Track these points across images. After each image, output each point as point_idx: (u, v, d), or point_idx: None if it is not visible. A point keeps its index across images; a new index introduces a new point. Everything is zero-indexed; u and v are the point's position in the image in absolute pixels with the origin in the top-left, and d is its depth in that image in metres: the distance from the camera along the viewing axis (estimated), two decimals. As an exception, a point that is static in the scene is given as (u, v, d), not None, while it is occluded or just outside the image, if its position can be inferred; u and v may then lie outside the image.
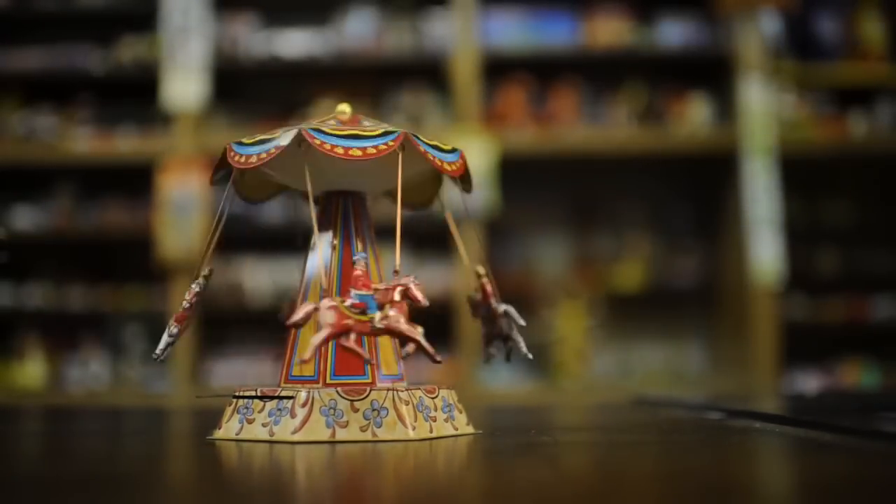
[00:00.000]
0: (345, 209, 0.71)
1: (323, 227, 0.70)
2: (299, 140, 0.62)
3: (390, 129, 0.64)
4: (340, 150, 0.62)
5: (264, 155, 0.63)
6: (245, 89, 2.83)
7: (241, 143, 0.65)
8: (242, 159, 0.64)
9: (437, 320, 2.42)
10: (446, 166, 0.66)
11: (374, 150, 0.62)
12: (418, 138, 0.64)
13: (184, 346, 2.44)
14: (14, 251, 2.63)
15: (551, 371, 2.59)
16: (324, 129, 0.63)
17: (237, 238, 2.66)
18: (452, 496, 0.40)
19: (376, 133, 0.63)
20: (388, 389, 0.62)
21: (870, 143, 2.58)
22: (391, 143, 0.63)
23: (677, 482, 0.43)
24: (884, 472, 0.46)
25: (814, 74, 2.62)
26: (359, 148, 0.62)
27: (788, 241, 2.50)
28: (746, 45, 2.53)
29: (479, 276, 0.73)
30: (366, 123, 0.66)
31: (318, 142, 0.62)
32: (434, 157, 0.65)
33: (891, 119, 2.64)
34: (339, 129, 0.63)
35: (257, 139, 0.64)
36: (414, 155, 0.64)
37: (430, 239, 2.56)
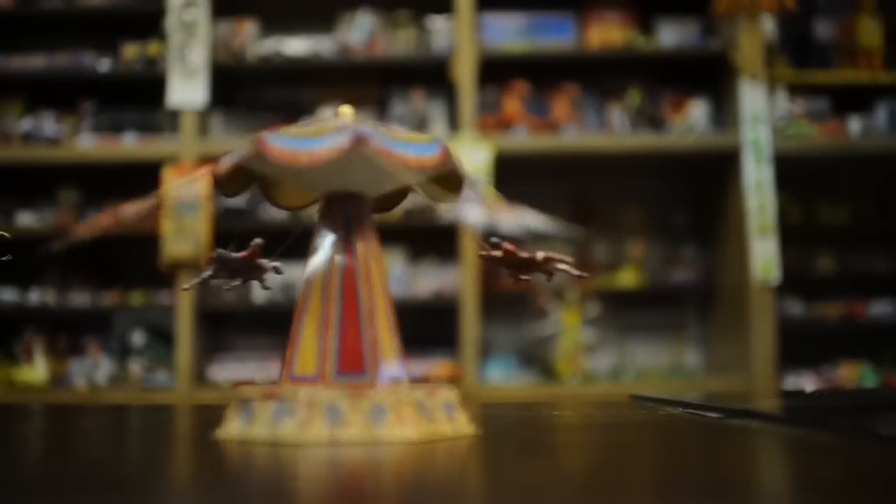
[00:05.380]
0: (346, 211, 0.71)
1: (324, 229, 0.71)
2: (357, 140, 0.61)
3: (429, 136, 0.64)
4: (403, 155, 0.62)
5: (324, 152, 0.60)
6: (248, 93, 2.84)
7: (290, 138, 0.62)
8: (306, 157, 0.61)
9: (437, 320, 2.43)
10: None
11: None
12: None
13: (187, 344, 2.45)
14: (18, 251, 2.64)
15: (550, 369, 2.60)
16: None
17: (241, 237, 2.67)
18: (453, 496, 0.41)
19: (424, 140, 0.63)
20: (389, 390, 0.63)
21: (867, 146, 2.59)
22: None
23: (676, 482, 0.44)
24: (881, 473, 0.46)
25: (811, 78, 2.63)
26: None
27: (785, 242, 2.51)
28: (745, 49, 2.54)
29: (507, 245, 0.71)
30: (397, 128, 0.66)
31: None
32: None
33: (887, 122, 2.65)
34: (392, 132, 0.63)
35: (308, 132, 0.63)
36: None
37: (429, 240, 2.57)
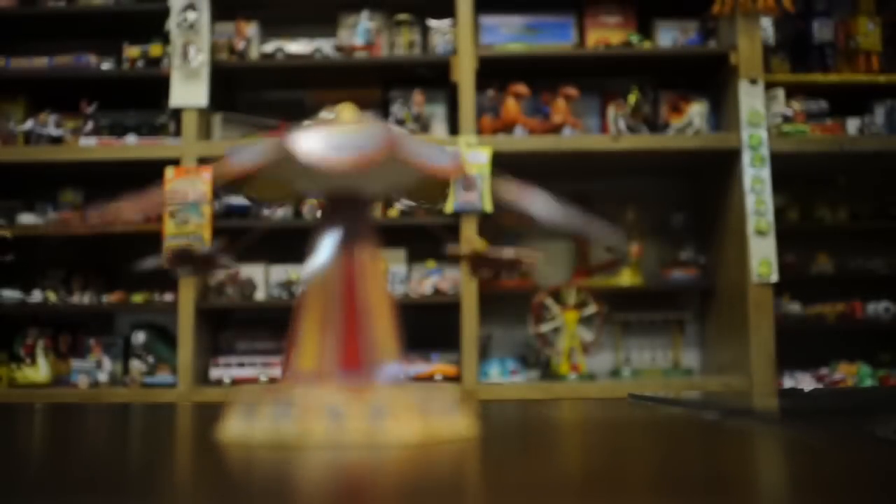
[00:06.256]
0: (347, 211, 0.72)
1: (325, 229, 0.71)
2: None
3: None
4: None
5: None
6: (250, 95, 2.85)
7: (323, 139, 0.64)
8: (347, 162, 0.63)
9: (437, 320, 2.43)
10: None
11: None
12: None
13: (188, 344, 2.45)
14: (21, 251, 2.64)
15: (549, 368, 2.60)
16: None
17: (243, 236, 2.67)
18: (453, 497, 0.41)
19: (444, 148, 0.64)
20: (389, 390, 0.63)
21: (864, 147, 2.59)
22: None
23: (675, 482, 0.44)
24: (878, 473, 0.46)
25: (810, 79, 2.64)
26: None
27: (784, 242, 2.52)
28: (743, 50, 2.54)
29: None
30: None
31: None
32: None
33: (885, 123, 2.65)
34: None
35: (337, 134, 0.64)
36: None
37: (429, 240, 2.57)
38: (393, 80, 2.71)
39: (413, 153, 0.62)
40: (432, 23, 2.65)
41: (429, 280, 2.53)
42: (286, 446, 0.58)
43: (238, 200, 2.54)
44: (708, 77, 2.70)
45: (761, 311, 2.46)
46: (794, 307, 2.65)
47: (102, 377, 2.54)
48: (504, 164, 2.45)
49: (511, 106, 2.58)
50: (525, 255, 0.74)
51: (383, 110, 2.70)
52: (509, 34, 2.68)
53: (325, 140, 0.63)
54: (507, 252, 0.74)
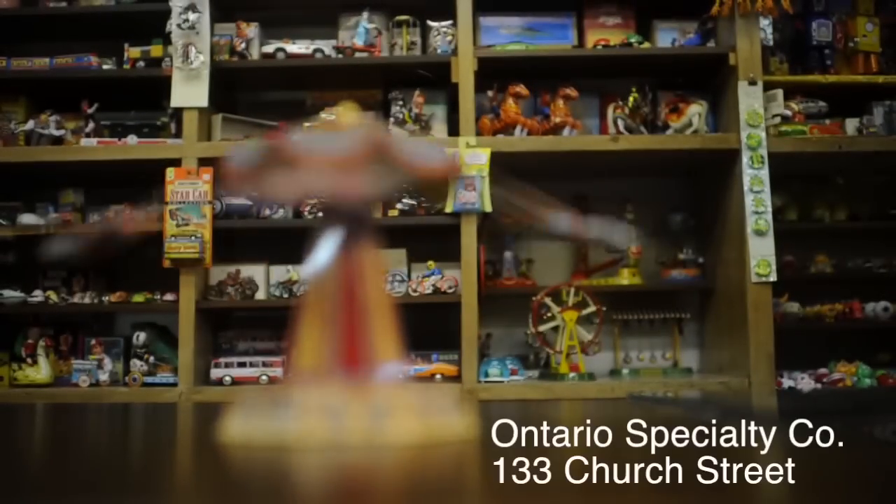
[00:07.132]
0: (348, 212, 0.72)
1: (326, 230, 0.71)
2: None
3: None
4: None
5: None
6: (250, 95, 2.85)
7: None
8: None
9: (437, 320, 2.43)
10: None
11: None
12: None
13: (189, 344, 2.45)
14: (22, 252, 2.64)
15: (549, 368, 2.60)
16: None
17: (244, 236, 2.67)
18: (453, 496, 0.41)
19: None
20: (389, 390, 0.63)
21: (863, 147, 2.59)
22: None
23: (675, 482, 0.45)
24: (878, 472, 0.47)
25: (808, 80, 2.64)
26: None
27: (782, 241, 2.52)
28: (742, 51, 2.54)
29: None
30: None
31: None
32: None
33: (884, 124, 2.65)
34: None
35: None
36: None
37: (430, 240, 2.58)
38: (393, 80, 2.71)
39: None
40: (432, 23, 2.65)
41: (429, 280, 2.53)
42: (286, 446, 0.58)
43: (238, 201, 2.55)
44: (707, 78, 2.70)
45: (760, 311, 2.46)
46: (793, 307, 2.65)
47: (103, 377, 2.54)
48: (504, 165, 2.45)
49: (511, 107, 2.58)
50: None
51: (383, 111, 2.70)
52: (509, 35, 2.68)
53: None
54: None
